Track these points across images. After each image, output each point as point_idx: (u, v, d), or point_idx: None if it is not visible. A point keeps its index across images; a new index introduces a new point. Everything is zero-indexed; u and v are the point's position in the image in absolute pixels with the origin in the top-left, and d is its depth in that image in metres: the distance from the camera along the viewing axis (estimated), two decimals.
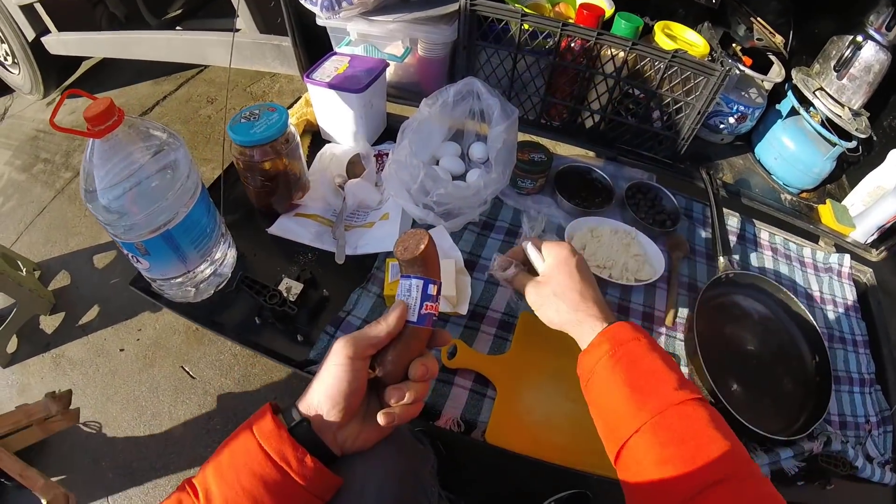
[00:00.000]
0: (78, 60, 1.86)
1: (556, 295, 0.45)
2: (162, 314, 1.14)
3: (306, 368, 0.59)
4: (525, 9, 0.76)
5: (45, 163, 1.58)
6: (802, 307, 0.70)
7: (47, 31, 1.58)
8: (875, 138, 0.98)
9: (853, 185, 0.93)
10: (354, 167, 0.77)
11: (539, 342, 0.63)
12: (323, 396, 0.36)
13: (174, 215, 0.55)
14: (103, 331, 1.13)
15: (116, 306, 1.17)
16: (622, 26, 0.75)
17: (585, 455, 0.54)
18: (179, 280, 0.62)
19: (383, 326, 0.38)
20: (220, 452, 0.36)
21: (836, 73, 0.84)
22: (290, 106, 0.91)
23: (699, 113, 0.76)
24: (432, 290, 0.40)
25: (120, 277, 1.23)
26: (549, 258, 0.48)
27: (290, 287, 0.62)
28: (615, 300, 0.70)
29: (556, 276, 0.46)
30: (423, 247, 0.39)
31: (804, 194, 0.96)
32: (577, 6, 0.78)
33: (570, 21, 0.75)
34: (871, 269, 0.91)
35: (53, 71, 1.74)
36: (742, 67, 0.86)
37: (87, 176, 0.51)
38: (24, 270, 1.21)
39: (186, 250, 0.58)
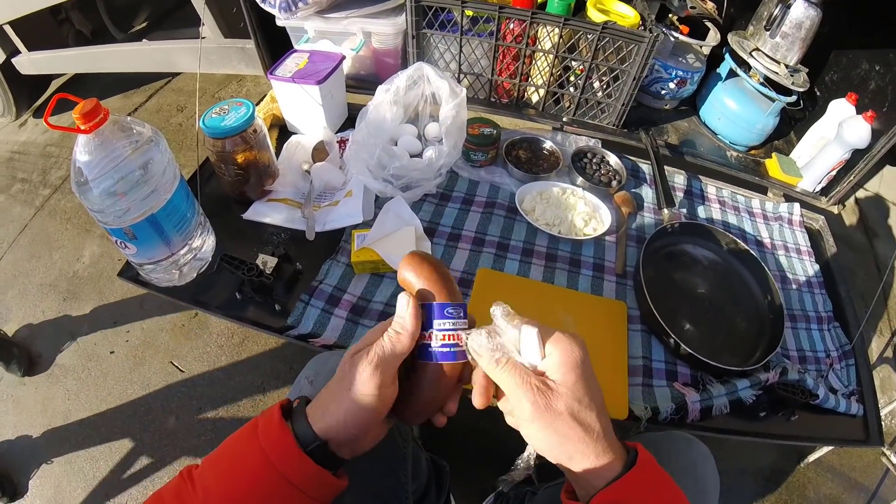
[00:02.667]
0: (47, 79, 1.99)
1: (571, 415, 0.34)
2: (148, 315, 1.26)
3: (285, 333, 0.71)
4: None
5: (22, 182, 1.71)
6: (750, 250, 0.80)
7: (17, 52, 1.69)
8: (819, 93, 1.11)
9: (800, 139, 1.06)
10: (319, 153, 0.90)
11: (495, 296, 0.75)
12: (348, 425, 0.36)
13: (157, 201, 0.67)
14: (93, 335, 1.25)
15: (105, 312, 1.29)
16: (555, 4, 0.89)
17: None
18: (164, 263, 0.74)
19: (405, 336, 0.37)
20: (223, 450, 0.37)
21: (767, 33, 0.97)
22: (258, 103, 1.04)
23: (635, 79, 0.89)
24: (443, 314, 0.37)
25: (107, 284, 1.35)
26: (555, 355, 0.36)
27: (266, 261, 0.75)
28: (567, 254, 0.82)
29: (573, 387, 0.35)
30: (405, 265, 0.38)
31: (752, 151, 1.08)
32: None
33: (508, 4, 0.88)
34: (822, 217, 1.02)
35: (25, 91, 1.86)
36: (678, 35, 1.00)
37: (77, 169, 0.61)
38: None
39: (170, 233, 0.71)
